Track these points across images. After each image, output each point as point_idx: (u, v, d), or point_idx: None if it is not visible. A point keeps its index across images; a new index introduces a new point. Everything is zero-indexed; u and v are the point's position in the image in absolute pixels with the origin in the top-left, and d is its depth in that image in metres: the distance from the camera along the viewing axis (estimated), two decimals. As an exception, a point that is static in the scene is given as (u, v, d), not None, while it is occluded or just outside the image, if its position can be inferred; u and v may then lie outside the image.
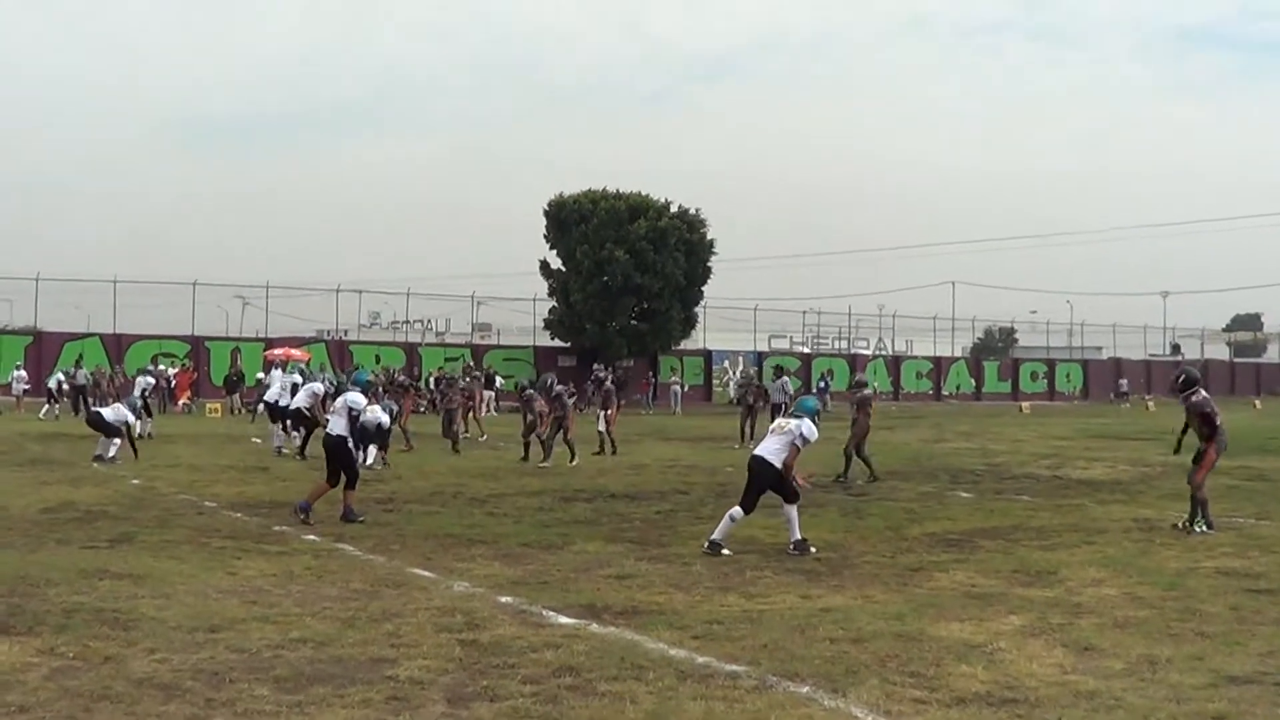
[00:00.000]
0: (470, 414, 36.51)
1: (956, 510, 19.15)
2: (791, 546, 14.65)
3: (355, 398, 18.01)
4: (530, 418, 28.62)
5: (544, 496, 20.72)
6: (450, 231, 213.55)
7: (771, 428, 15.56)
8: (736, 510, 14.66)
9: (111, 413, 27.52)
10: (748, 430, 33.77)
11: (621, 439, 36.73)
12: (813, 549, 14.62)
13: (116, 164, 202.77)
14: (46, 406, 47.79)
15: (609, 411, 31.71)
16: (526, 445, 28.36)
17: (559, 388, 28.57)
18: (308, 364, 57.87)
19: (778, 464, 14.67)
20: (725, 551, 14.40)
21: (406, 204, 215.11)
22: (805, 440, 14.78)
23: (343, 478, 17.35)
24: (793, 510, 14.83)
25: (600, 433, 31.21)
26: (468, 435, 33.82)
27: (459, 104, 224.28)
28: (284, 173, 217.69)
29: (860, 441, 24.60)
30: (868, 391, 26.45)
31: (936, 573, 13.14)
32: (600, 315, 68.52)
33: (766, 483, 14.73)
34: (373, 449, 25.66)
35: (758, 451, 15.02)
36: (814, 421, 14.97)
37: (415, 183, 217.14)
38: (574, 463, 26.91)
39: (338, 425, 17.71)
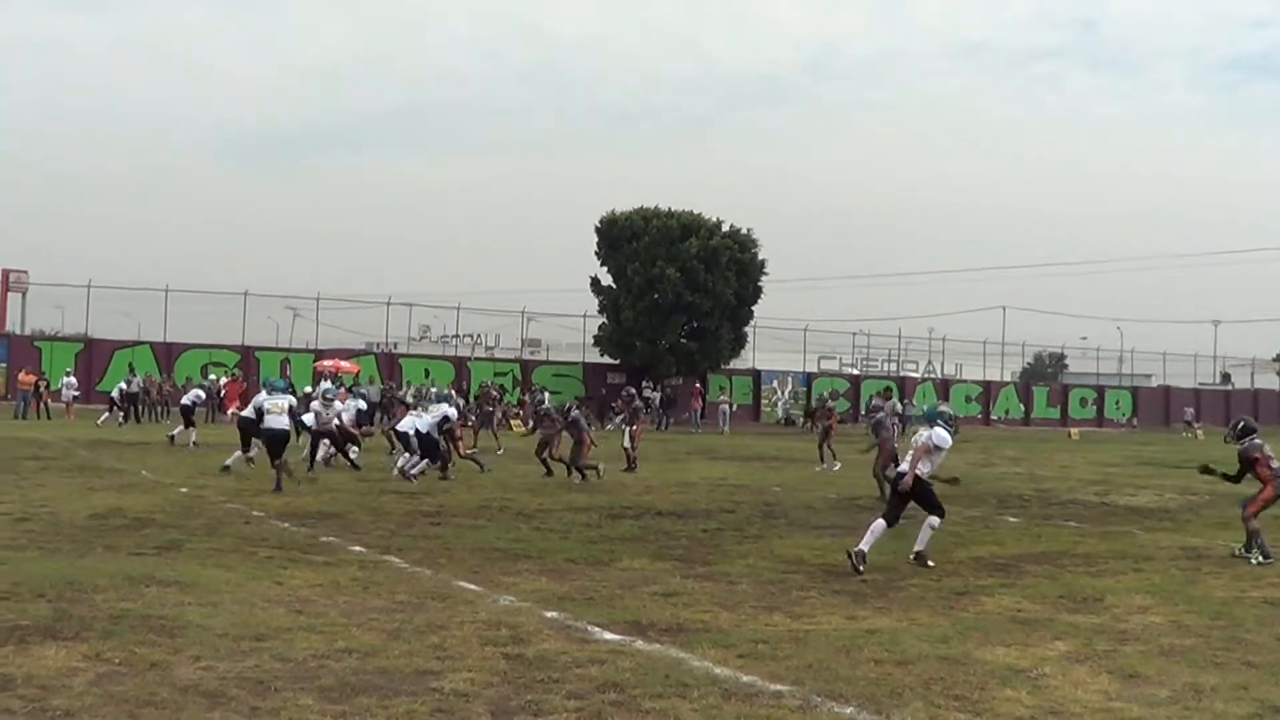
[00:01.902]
0: (485, 429, 37.68)
1: (1004, 535, 19.05)
2: (912, 556, 15.38)
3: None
4: (543, 435, 28.52)
5: (591, 513, 20.72)
6: (501, 246, 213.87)
7: (910, 441, 16.22)
8: (934, 519, 15.46)
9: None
10: (826, 451, 33.93)
11: (669, 456, 36.70)
12: (930, 563, 15.25)
13: (168, 174, 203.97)
14: (107, 415, 48.14)
15: (634, 428, 31.51)
16: (544, 463, 28.07)
17: (575, 413, 28.00)
18: (356, 376, 58.22)
19: (923, 474, 15.40)
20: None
21: (458, 218, 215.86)
22: (936, 446, 15.46)
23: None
24: (934, 522, 15.47)
25: (625, 449, 31.02)
26: (475, 450, 32.90)
27: (510, 120, 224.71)
28: (335, 185, 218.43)
29: (887, 462, 24.64)
30: (881, 415, 27.25)
31: (982, 597, 13.09)
32: (650, 333, 68.51)
33: (913, 495, 15.41)
34: (422, 460, 25.83)
35: (905, 467, 15.60)
36: (945, 427, 15.68)
37: (467, 197, 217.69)
38: (579, 481, 26.59)
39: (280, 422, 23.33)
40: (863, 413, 29.13)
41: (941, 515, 15.49)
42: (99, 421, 46.36)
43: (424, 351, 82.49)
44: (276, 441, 23.47)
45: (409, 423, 26.65)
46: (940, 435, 15.41)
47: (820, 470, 32.28)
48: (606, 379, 71.12)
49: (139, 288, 67.40)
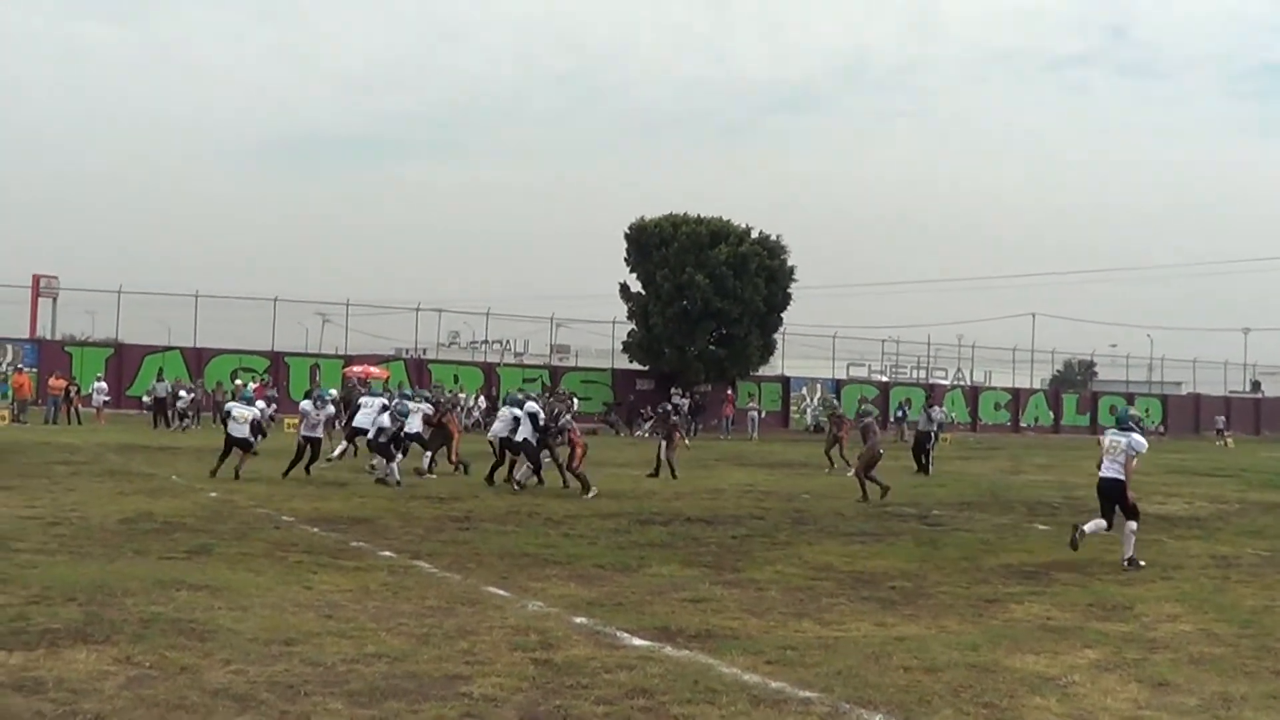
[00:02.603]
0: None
1: (1033, 542, 18.99)
2: (1125, 562, 15.98)
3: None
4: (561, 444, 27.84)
5: (620, 519, 20.73)
6: (531, 252, 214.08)
7: (1105, 447, 16.91)
8: (1101, 522, 16.50)
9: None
10: (838, 458, 34.48)
11: (698, 463, 36.68)
12: (1141, 563, 16.01)
13: (199, 181, 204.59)
14: (178, 423, 49.16)
15: (671, 440, 31.29)
16: (577, 478, 27.24)
17: (565, 419, 27.52)
18: (386, 382, 58.32)
19: (1123, 478, 16.31)
20: (1142, 564, 16.03)
21: (488, 224, 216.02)
22: (1136, 451, 16.50)
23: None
24: (1133, 525, 16.26)
25: (665, 460, 30.79)
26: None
27: (541, 127, 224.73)
28: (365, 191, 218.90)
29: (870, 464, 26.11)
30: (869, 420, 28.03)
31: (1012, 604, 13.04)
32: (679, 339, 68.49)
33: (1116, 498, 16.28)
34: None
35: (1105, 473, 16.53)
36: (1139, 430, 16.73)
37: (497, 203, 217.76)
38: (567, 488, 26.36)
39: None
40: (860, 415, 28.92)
41: (1135, 519, 16.35)
42: (168, 428, 46.53)
43: (453, 357, 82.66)
44: (236, 444, 26.22)
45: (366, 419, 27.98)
46: (1138, 441, 16.47)
47: (828, 473, 32.64)
48: (635, 385, 71.16)
49: (169, 293, 67.66)
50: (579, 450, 26.06)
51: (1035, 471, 38.59)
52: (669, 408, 33.21)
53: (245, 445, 26.09)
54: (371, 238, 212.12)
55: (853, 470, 26.95)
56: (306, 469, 26.97)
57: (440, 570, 14.36)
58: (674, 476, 28.95)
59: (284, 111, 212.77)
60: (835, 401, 37.62)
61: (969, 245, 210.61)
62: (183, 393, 51.92)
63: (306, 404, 27.95)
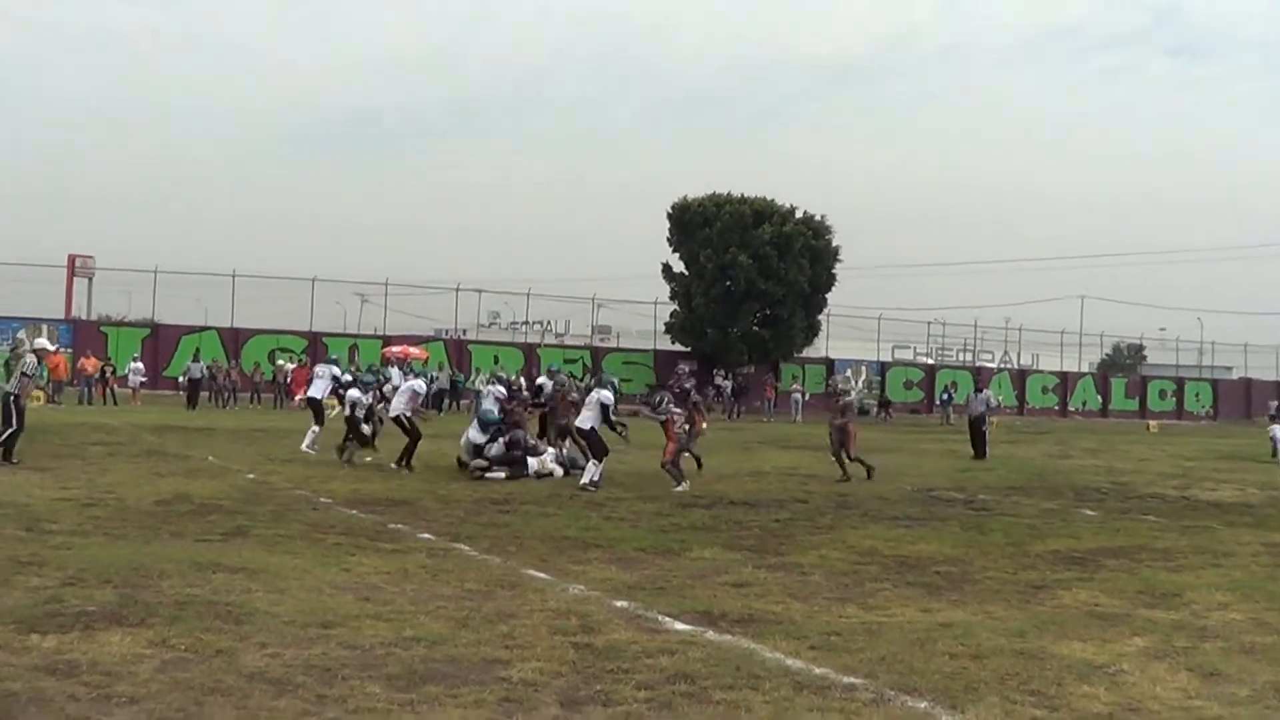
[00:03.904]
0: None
1: (1081, 528, 18.88)
2: None
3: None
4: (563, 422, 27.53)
5: (662, 502, 20.72)
6: (571, 233, 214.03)
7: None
8: None
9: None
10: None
11: (741, 445, 36.66)
12: None
13: (237, 161, 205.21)
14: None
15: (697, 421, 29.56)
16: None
17: (665, 403, 27.23)
18: (425, 363, 58.46)
19: None
20: None
21: (528, 205, 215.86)
22: None
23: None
24: None
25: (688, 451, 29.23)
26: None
27: (581, 109, 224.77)
28: (403, 171, 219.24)
29: (847, 444, 26.52)
30: (850, 399, 28.07)
31: (1059, 590, 12.97)
32: (722, 320, 68.50)
33: None
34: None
35: None
36: None
37: (537, 184, 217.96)
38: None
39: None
40: (838, 394, 28.45)
41: None
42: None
43: (493, 338, 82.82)
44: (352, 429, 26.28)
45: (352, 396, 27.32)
46: None
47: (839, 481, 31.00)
48: (678, 366, 71.07)
49: (206, 273, 68.14)
50: (670, 445, 24.99)
51: (1083, 456, 38.42)
52: (686, 387, 31.05)
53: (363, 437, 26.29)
54: (410, 219, 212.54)
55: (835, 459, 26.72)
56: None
57: (480, 553, 14.39)
58: (699, 466, 27.29)
59: (321, 94, 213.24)
60: (848, 381, 35.40)
61: (1017, 226, 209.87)
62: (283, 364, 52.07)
63: (418, 382, 27.44)
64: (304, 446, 28.09)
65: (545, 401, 28.58)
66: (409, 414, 25.83)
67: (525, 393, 30.20)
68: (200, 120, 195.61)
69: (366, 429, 27.00)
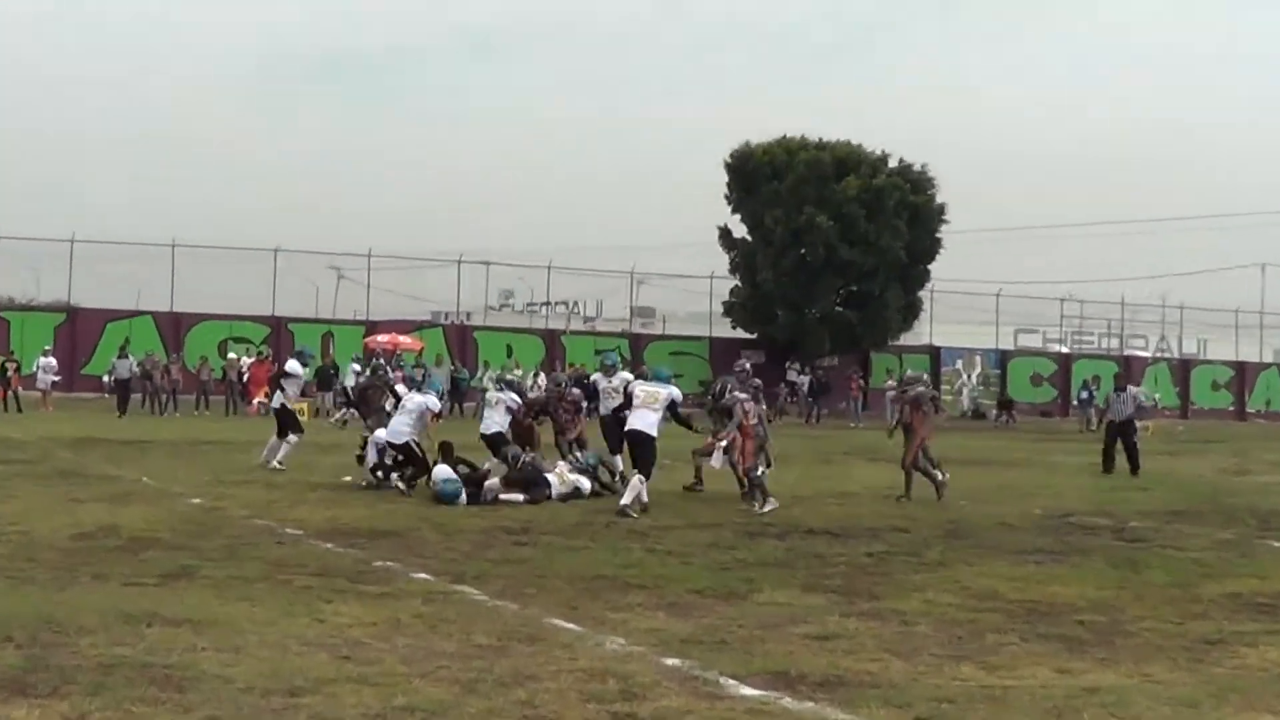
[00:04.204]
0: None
1: (1267, 565, 18.71)
2: None
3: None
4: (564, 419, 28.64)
5: (722, 530, 20.70)
6: (604, 191, 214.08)
7: None
8: None
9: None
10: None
11: (822, 458, 36.58)
12: None
13: (181, 111, 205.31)
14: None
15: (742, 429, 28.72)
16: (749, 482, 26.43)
17: (576, 392, 29.07)
18: (420, 355, 58.61)
19: None
20: None
21: (546, 157, 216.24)
22: None
23: None
24: None
25: (731, 465, 28.55)
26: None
27: (613, 45, 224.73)
28: (391, 121, 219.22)
29: (920, 451, 26.93)
30: (921, 389, 28.39)
31: (1241, 647, 12.82)
32: (796, 299, 68.53)
33: None
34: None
35: None
36: None
37: (558, 131, 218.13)
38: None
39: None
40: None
41: None
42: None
43: (505, 323, 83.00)
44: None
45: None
46: None
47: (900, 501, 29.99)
48: (740, 358, 70.90)
49: (138, 242, 67.91)
50: (748, 444, 25.16)
51: (1268, 471, 38.20)
52: (727, 385, 29.40)
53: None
54: (401, 176, 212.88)
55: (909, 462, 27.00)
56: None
57: (491, 598, 14.34)
58: (741, 487, 26.59)
59: (287, 24, 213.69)
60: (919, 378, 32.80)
61: (1175, 179, 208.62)
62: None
63: (431, 399, 27.44)
64: (275, 460, 28.63)
65: (546, 406, 29.08)
66: (417, 439, 26.00)
67: (572, 393, 29.95)
68: (131, 55, 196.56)
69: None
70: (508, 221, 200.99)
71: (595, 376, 31.04)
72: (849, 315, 69.41)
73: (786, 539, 19.99)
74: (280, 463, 29.05)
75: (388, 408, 28.32)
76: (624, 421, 25.34)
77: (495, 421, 27.54)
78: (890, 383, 69.13)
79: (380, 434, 26.51)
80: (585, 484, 25.41)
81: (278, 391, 30.48)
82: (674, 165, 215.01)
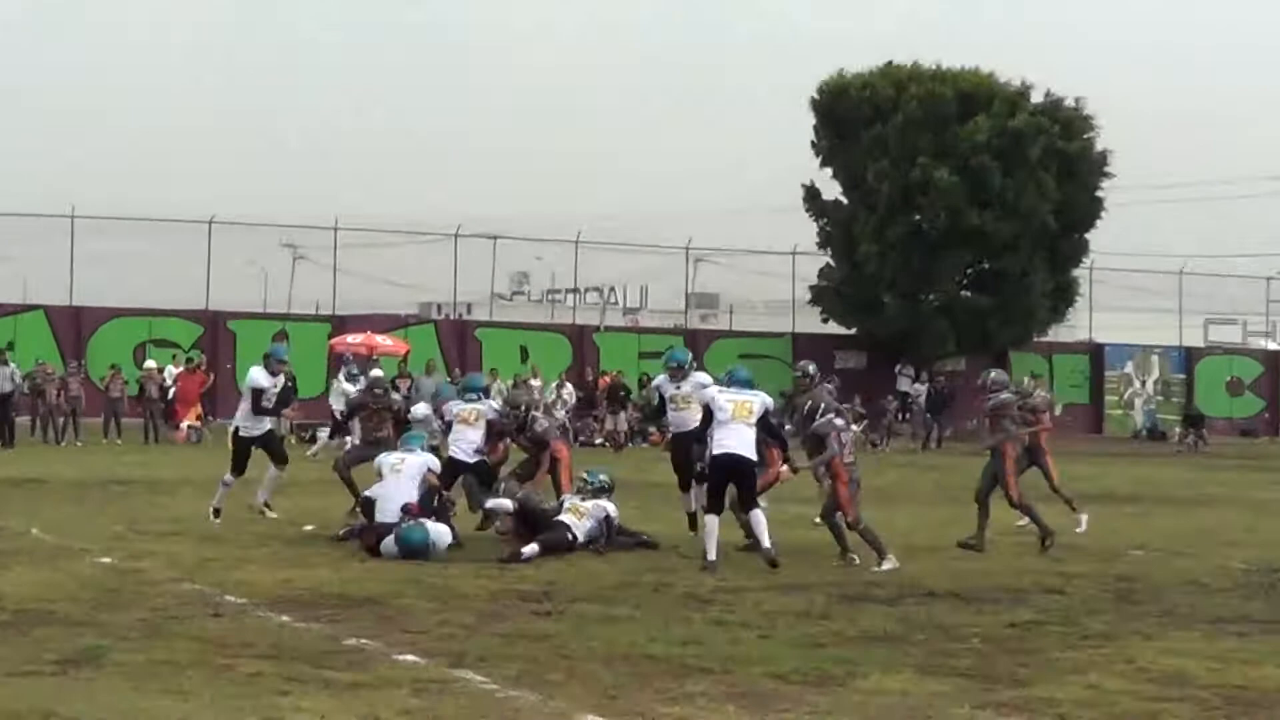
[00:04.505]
0: None
1: None
2: None
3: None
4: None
5: (811, 594, 20.66)
6: (645, 139, 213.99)
7: None
8: None
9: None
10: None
11: (945, 493, 36.52)
12: None
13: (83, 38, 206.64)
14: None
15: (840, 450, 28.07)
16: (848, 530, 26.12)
17: (544, 423, 28.29)
18: (404, 362, 58.66)
19: None
20: None
21: (568, 98, 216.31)
22: None
23: None
24: None
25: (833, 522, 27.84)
26: None
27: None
28: (364, 44, 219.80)
29: (1005, 479, 26.76)
30: (1006, 396, 27.96)
31: None
32: (908, 281, 68.43)
33: None
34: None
35: None
36: None
37: (579, 65, 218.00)
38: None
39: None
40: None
41: None
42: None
43: (518, 318, 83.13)
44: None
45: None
46: None
47: (1047, 547, 29.42)
48: (835, 360, 70.97)
49: (26, 213, 67.69)
50: (842, 487, 24.55)
51: None
52: (820, 402, 28.60)
53: None
54: (377, 122, 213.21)
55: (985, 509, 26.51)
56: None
57: (503, 686, 14.34)
58: (839, 541, 26.18)
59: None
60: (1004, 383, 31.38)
61: None
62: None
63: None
64: (263, 501, 29.15)
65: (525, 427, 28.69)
66: None
67: (539, 425, 29.68)
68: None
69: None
70: (520, 182, 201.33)
71: (658, 381, 30.05)
72: (979, 302, 69.20)
73: (898, 605, 19.97)
74: (268, 505, 29.30)
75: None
76: (693, 444, 25.83)
77: (470, 442, 27.45)
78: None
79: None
80: (609, 508, 25.65)
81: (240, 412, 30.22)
82: (743, 101, 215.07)
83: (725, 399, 24.45)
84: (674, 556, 24.37)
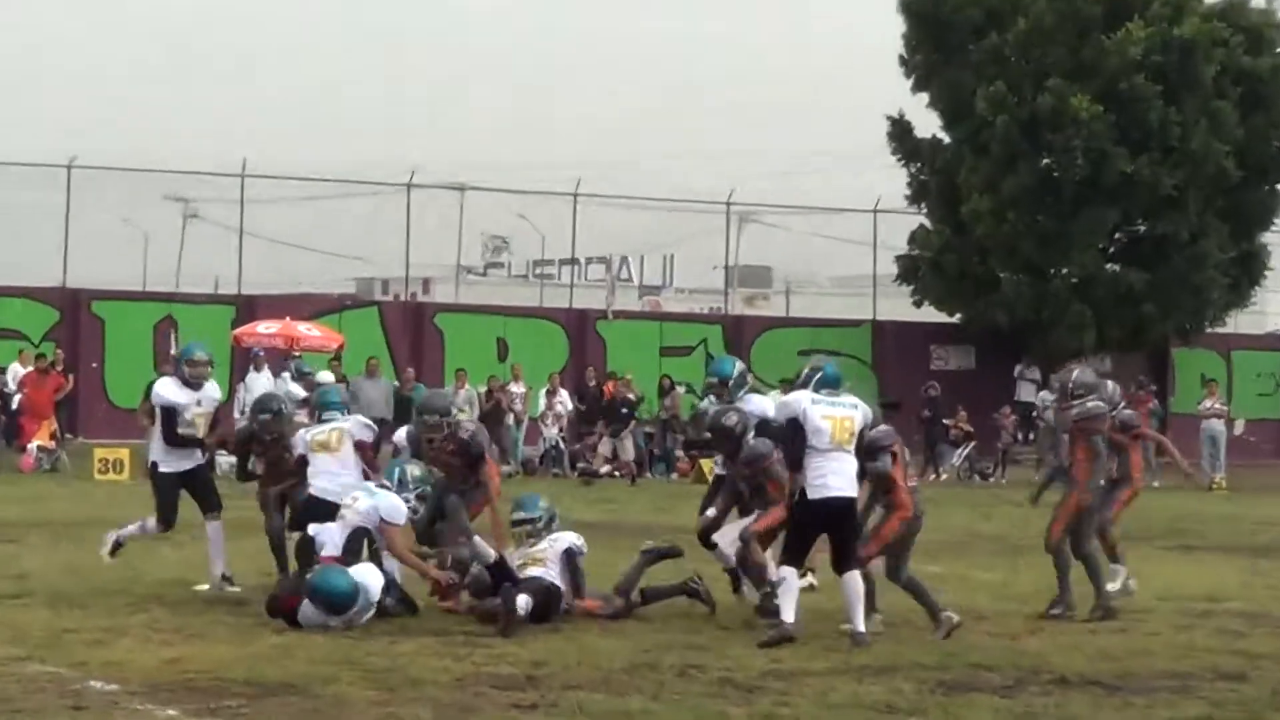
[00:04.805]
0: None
1: None
2: None
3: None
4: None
5: (894, 677, 20.70)
6: (667, 59, 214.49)
7: None
8: None
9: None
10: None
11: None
12: None
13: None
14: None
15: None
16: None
17: (470, 427, 28.13)
18: (336, 358, 58.85)
19: None
20: None
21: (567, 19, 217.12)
22: None
23: None
24: None
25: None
26: None
27: None
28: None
29: (1084, 512, 27.21)
30: (1095, 405, 27.83)
31: None
32: (1034, 250, 68.26)
33: None
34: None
35: None
36: None
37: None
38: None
39: None
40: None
41: None
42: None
43: (494, 299, 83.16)
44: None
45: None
46: None
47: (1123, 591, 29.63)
48: (931, 357, 70.98)
49: None
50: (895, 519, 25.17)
51: None
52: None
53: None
54: (301, 38, 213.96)
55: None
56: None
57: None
58: (920, 598, 26.46)
59: None
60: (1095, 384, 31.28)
61: None
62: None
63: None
64: (112, 541, 28.53)
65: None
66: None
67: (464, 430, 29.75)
68: None
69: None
70: (497, 115, 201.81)
71: (703, 406, 30.19)
72: (1131, 278, 68.94)
73: (1017, 693, 20.03)
74: (228, 578, 28.24)
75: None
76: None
77: (334, 475, 27.63)
78: (1214, 401, 68.33)
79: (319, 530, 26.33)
80: (568, 539, 25.87)
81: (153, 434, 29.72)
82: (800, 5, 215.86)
83: (821, 414, 23.81)
84: (699, 623, 24.43)
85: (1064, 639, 24.30)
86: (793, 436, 23.76)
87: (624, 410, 56.06)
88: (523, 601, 23.55)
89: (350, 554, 24.72)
